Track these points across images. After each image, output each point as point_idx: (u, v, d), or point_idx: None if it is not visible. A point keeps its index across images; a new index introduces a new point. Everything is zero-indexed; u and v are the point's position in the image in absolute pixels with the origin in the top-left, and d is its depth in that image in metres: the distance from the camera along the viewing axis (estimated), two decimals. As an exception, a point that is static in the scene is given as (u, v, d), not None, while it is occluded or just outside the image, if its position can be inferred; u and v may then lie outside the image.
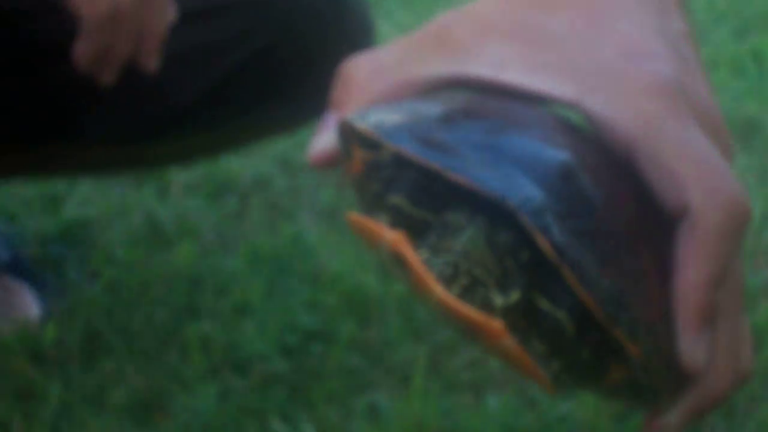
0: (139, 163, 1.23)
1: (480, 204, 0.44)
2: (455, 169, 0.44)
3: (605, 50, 0.49)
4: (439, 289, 0.44)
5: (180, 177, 1.52)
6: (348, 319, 1.27)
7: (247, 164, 1.56)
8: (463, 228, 0.44)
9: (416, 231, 0.45)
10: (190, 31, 1.11)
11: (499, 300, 0.44)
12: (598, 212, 0.45)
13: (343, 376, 1.20)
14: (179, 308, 1.28)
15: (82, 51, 1.04)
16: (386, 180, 0.46)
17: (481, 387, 1.20)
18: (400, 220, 0.46)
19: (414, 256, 0.44)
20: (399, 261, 0.45)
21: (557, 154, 0.45)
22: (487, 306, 0.44)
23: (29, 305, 1.28)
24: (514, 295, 0.44)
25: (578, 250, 0.43)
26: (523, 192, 0.43)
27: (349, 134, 0.48)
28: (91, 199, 1.48)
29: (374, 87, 0.50)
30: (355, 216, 0.46)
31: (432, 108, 0.47)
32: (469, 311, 0.44)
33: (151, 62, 1.06)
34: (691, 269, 0.46)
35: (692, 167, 0.46)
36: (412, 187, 0.46)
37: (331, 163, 0.51)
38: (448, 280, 0.44)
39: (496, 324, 0.44)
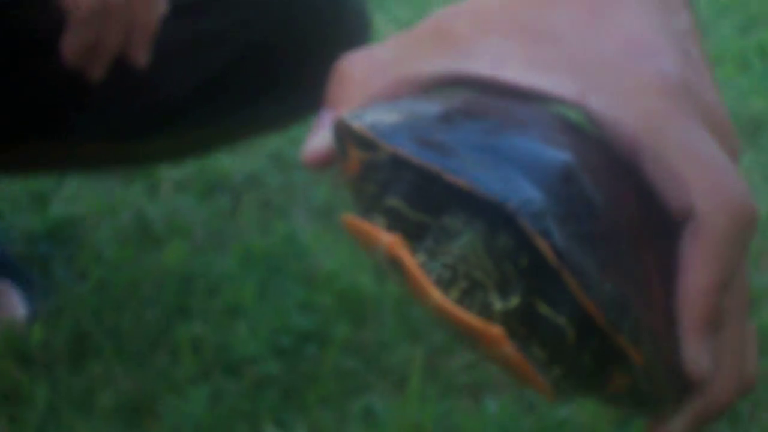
0: (129, 160, 1.23)
1: (479, 206, 0.44)
2: (453, 171, 0.44)
3: (607, 47, 0.49)
4: (436, 294, 0.44)
5: (170, 174, 1.52)
6: (343, 320, 1.27)
7: (239, 161, 1.55)
8: (461, 231, 0.44)
9: (413, 234, 0.45)
10: (182, 25, 1.11)
11: (498, 305, 0.44)
12: (600, 215, 0.45)
13: (338, 379, 1.20)
14: (169, 309, 1.28)
15: (70, 45, 1.04)
16: (383, 181, 0.46)
17: (479, 390, 1.20)
18: (396, 223, 0.46)
19: (411, 260, 0.44)
20: (395, 264, 0.45)
21: (558, 154, 0.45)
22: (485, 311, 0.44)
23: (15, 305, 1.27)
24: (514, 300, 0.44)
25: (579, 254, 0.43)
26: (522, 194, 0.43)
27: (344, 134, 0.48)
28: (79, 196, 1.48)
29: (371, 85, 0.50)
30: (351, 218, 0.46)
31: (430, 107, 0.47)
32: (468, 317, 0.44)
33: (142, 56, 1.06)
34: (696, 274, 0.46)
35: (697, 168, 0.46)
36: (410, 188, 0.46)
37: (325, 163, 0.51)
38: (445, 285, 0.44)
39: (495, 330, 0.44)
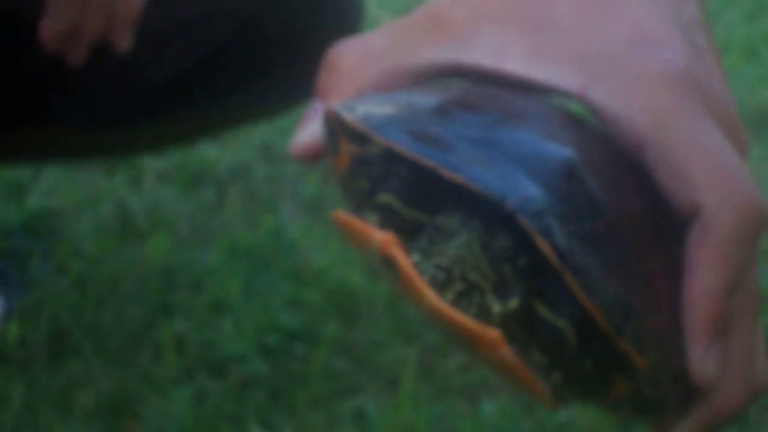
0: (110, 150, 1.23)
1: (476, 204, 0.44)
2: (450, 167, 0.44)
3: (612, 37, 0.48)
4: (431, 295, 0.44)
5: (153, 165, 1.52)
6: (333, 318, 1.27)
7: (225, 152, 1.55)
8: (458, 230, 0.44)
9: (407, 232, 0.45)
10: (166, 9, 1.11)
11: (496, 307, 0.44)
12: (604, 213, 0.45)
13: (328, 379, 1.20)
14: (152, 305, 1.28)
15: (49, 28, 1.03)
16: (375, 177, 0.46)
17: (475, 392, 1.20)
18: (390, 221, 0.46)
19: (405, 260, 0.44)
20: (388, 264, 0.45)
21: (560, 150, 0.45)
22: (483, 314, 0.44)
23: (-9, 301, 1.27)
24: (513, 302, 0.44)
25: (582, 255, 0.43)
26: (522, 191, 0.43)
27: (335, 126, 0.48)
28: (58, 187, 1.48)
29: (363, 75, 0.50)
30: (342, 215, 0.46)
31: (426, 99, 0.47)
32: (464, 319, 0.44)
33: (124, 41, 1.05)
34: (702, 274, 0.46)
35: (705, 165, 0.46)
36: (404, 184, 0.45)
37: (315, 156, 0.51)
38: (441, 286, 0.44)
39: (493, 333, 0.44)
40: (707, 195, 0.46)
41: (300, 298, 1.30)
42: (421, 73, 0.50)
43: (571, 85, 0.48)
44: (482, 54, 0.49)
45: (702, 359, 0.46)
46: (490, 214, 0.44)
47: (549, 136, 0.46)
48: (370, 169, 0.47)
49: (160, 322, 1.25)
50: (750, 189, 0.46)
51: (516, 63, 0.48)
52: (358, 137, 0.47)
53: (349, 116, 0.46)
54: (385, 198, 0.46)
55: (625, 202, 0.46)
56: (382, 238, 0.44)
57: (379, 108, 0.47)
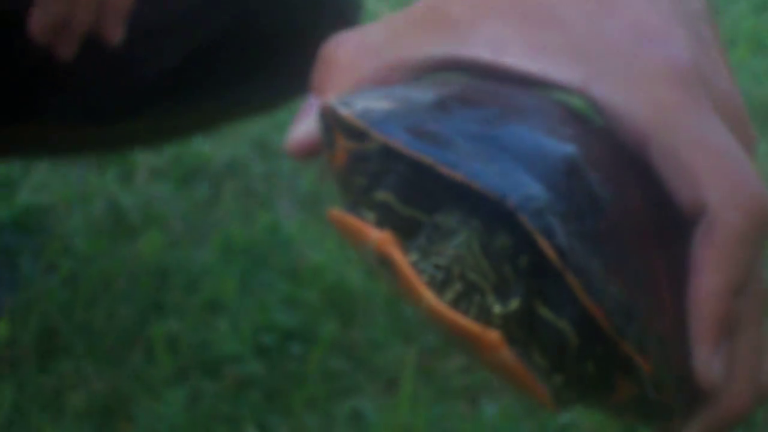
0: (102, 145, 1.23)
1: (475, 202, 0.44)
2: (449, 163, 0.44)
3: (615, 31, 0.48)
4: (429, 296, 0.44)
5: (146, 160, 1.52)
6: (330, 317, 1.28)
7: (220, 147, 1.55)
8: (457, 229, 0.44)
9: (405, 231, 0.45)
10: (159, 1, 1.10)
11: (496, 308, 0.44)
12: (606, 212, 0.45)
13: (325, 380, 1.20)
14: (144, 304, 1.28)
15: (38, 21, 1.03)
16: (373, 173, 0.46)
17: (476, 393, 1.20)
18: (387, 219, 0.45)
19: (402, 259, 0.44)
20: (386, 263, 0.45)
21: (562, 147, 0.45)
22: (482, 315, 0.44)
23: (-21, 300, 1.27)
24: (513, 303, 0.44)
25: (584, 255, 0.43)
26: (523, 189, 0.43)
27: (331, 121, 0.48)
28: (48, 184, 1.48)
29: (360, 69, 0.50)
30: (337, 213, 0.46)
31: (424, 94, 0.47)
32: (463, 321, 0.44)
33: (115, 34, 1.05)
34: (708, 275, 0.46)
35: (710, 162, 0.46)
36: (401, 182, 0.45)
37: (311, 152, 0.51)
38: (439, 286, 0.44)
39: (493, 335, 0.44)
40: (712, 193, 0.46)
41: (296, 297, 1.30)
42: (419, 68, 0.50)
43: (573, 79, 0.48)
44: (482, 48, 0.49)
45: (708, 361, 0.46)
46: (490, 213, 0.44)
47: (550, 132, 0.46)
48: (366, 165, 0.47)
49: (153, 322, 1.25)
50: (757, 186, 0.46)
51: (516, 57, 0.48)
52: (355, 133, 0.47)
53: (345, 111, 0.46)
54: (382, 195, 0.46)
55: (627, 200, 0.46)
56: (379, 236, 0.44)
57: (377, 103, 0.47)
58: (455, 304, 0.44)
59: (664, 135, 0.46)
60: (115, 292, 1.29)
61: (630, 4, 0.49)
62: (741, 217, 0.46)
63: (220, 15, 1.13)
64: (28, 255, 1.35)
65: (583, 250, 0.43)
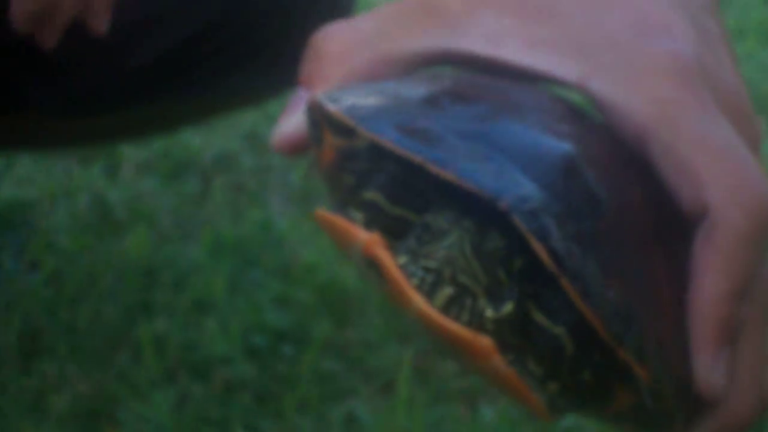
0: (88, 138, 1.23)
1: (467, 202, 0.44)
2: (440, 162, 0.43)
3: (615, 24, 0.48)
4: (418, 300, 0.43)
5: (133, 154, 1.52)
6: (323, 318, 1.27)
7: (210, 140, 1.55)
8: (448, 230, 0.44)
9: (394, 232, 0.45)
10: (146, -11, 1.10)
11: (489, 312, 0.44)
12: (604, 213, 0.45)
13: (318, 382, 1.20)
14: (131, 304, 1.28)
15: (21, 8, 1.03)
16: (361, 172, 0.46)
17: (474, 396, 1.20)
18: (375, 219, 0.45)
19: (390, 261, 0.44)
20: (374, 266, 0.44)
21: (559, 145, 0.45)
22: (474, 320, 0.44)
23: (-40, 298, 1.27)
24: (507, 307, 0.44)
25: (580, 258, 0.43)
26: (517, 190, 0.43)
27: (319, 117, 0.47)
28: (32, 178, 1.48)
29: (350, 62, 0.50)
30: (323, 213, 0.46)
31: (415, 89, 0.47)
32: (453, 326, 0.43)
33: (101, 23, 1.05)
34: (710, 279, 0.46)
35: (713, 161, 0.46)
36: (391, 181, 0.45)
37: (298, 148, 0.51)
38: (429, 290, 0.44)
39: (484, 341, 0.43)
40: (715, 193, 0.46)
41: (288, 296, 1.30)
42: (411, 61, 0.50)
43: (571, 74, 0.47)
44: (477, 41, 0.49)
45: (709, 369, 0.46)
46: (483, 213, 0.44)
47: (546, 130, 0.45)
48: (355, 163, 0.46)
49: (140, 322, 1.25)
50: (761, 187, 0.46)
51: (512, 51, 0.48)
52: (343, 129, 0.46)
53: (333, 107, 0.46)
54: (370, 195, 0.45)
55: (627, 201, 0.46)
56: (367, 238, 0.44)
57: (366, 98, 0.46)
58: (446, 308, 0.44)
59: (665, 132, 0.46)
60: (100, 291, 1.29)
61: (631, -4, 0.49)
62: (744, 218, 0.46)
63: (211, 3, 1.13)
64: (10, 251, 1.35)
65: (579, 254, 0.43)
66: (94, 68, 1.12)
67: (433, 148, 0.44)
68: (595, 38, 0.48)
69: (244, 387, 1.20)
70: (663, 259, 0.46)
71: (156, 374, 1.20)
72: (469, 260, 0.44)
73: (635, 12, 0.48)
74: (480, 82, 0.48)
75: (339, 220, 0.45)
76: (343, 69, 0.50)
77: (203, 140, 1.55)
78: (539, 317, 0.44)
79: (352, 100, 0.46)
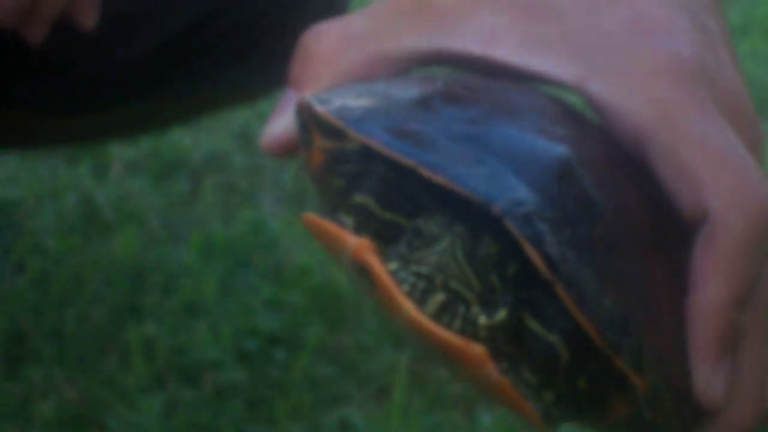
0: (75, 137, 1.23)
1: (460, 207, 0.44)
2: (431, 166, 0.43)
3: (614, 23, 0.48)
4: (409, 307, 0.43)
5: (121, 153, 1.52)
6: (316, 321, 1.27)
7: (200, 139, 1.55)
8: (440, 235, 0.44)
9: (385, 237, 0.45)
10: (135, -17, 1.10)
11: (482, 319, 0.44)
12: (602, 218, 0.44)
13: (311, 388, 1.20)
14: (119, 307, 1.28)
15: (5, 2, 1.03)
16: (351, 175, 0.46)
17: (471, 402, 1.20)
18: (366, 224, 0.45)
19: (381, 267, 0.44)
20: (364, 272, 0.44)
21: (554, 148, 0.45)
22: (466, 327, 0.44)
23: (-57, 301, 1.27)
24: (500, 314, 0.44)
25: (575, 264, 0.43)
26: (511, 193, 0.43)
27: (308, 119, 0.47)
28: (17, 178, 1.48)
29: (340, 62, 0.50)
30: (312, 217, 0.46)
31: (407, 90, 0.47)
32: (445, 334, 0.43)
33: (89, 18, 1.05)
34: (710, 286, 0.45)
35: (713, 165, 0.46)
36: (381, 185, 0.45)
37: (288, 150, 0.51)
38: (420, 296, 0.44)
39: (477, 349, 0.43)
40: (715, 198, 0.46)
41: (281, 299, 1.30)
42: (403, 61, 0.49)
43: (568, 75, 0.47)
44: (471, 40, 0.49)
45: (709, 378, 0.46)
46: (475, 218, 0.44)
47: (542, 132, 0.45)
48: (345, 166, 0.46)
49: (128, 325, 1.25)
50: (763, 191, 0.46)
51: (508, 50, 0.48)
52: (332, 132, 0.46)
53: (322, 109, 0.46)
54: (360, 199, 0.45)
55: (624, 205, 0.46)
56: (356, 243, 0.44)
57: (356, 100, 0.46)
58: (437, 315, 0.44)
59: (664, 135, 0.46)
60: (87, 293, 1.29)
61: (630, -6, 0.49)
62: (745, 223, 0.46)
63: (201, 1, 1.13)
64: (-5, 253, 1.35)
65: (575, 260, 0.43)
66: (82, 65, 1.12)
67: (424, 151, 0.44)
68: (593, 37, 0.48)
69: (235, 392, 1.20)
70: (662, 264, 0.46)
71: (144, 379, 1.20)
72: (461, 266, 0.43)
73: (634, 11, 0.48)
74: (474, 83, 0.48)
75: (328, 225, 0.45)
76: (333, 69, 0.50)
77: (193, 139, 1.55)
78: (534, 324, 0.44)
79: (341, 102, 0.46)
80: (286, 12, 1.13)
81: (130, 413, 1.16)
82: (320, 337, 1.26)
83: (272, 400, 1.19)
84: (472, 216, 0.44)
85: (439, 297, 0.44)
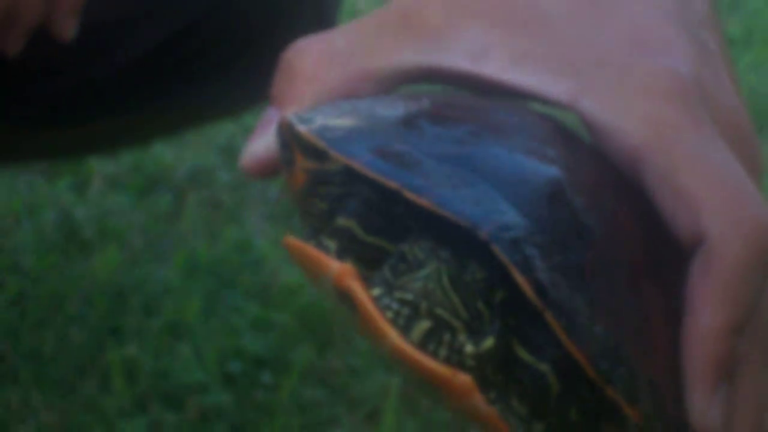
0: (54, 151, 1.23)
1: (446, 231, 0.44)
2: (416, 188, 0.43)
3: (609, 38, 0.48)
4: (393, 335, 0.43)
5: (102, 168, 1.52)
6: (304, 343, 1.27)
7: (183, 154, 1.55)
8: (425, 260, 0.44)
9: (368, 262, 0.45)
10: (116, -7, 1.10)
11: (468, 348, 0.44)
12: (593, 242, 0.44)
13: (299, 412, 1.20)
14: (99, 328, 1.28)
15: (-19, 14, 1.03)
16: (333, 197, 0.46)
17: (463, 425, 1.20)
18: (349, 247, 0.45)
19: (363, 293, 0.44)
20: (346, 298, 0.44)
21: (544, 169, 0.45)
22: (453, 356, 0.44)
23: None
24: (487, 342, 0.44)
25: (566, 291, 0.43)
26: (498, 217, 0.43)
27: (289, 138, 0.47)
28: (-6, 194, 1.48)
29: (323, 79, 0.50)
30: (292, 240, 0.46)
31: (392, 109, 0.47)
32: (430, 363, 0.43)
33: (67, 29, 1.05)
34: (706, 312, 0.45)
35: (710, 187, 0.46)
36: (365, 207, 0.45)
37: (269, 171, 0.51)
38: (405, 324, 0.43)
39: (463, 378, 0.43)
40: (712, 221, 0.46)
41: (267, 320, 1.30)
42: (389, 78, 0.49)
43: (560, 93, 0.47)
44: (459, 56, 0.49)
45: (704, 408, 0.46)
46: (462, 243, 0.44)
47: (531, 153, 0.45)
48: (327, 188, 0.46)
49: (109, 347, 1.25)
50: (761, 215, 0.46)
51: (498, 67, 0.48)
52: (314, 152, 0.46)
53: (303, 128, 0.46)
54: (343, 222, 0.45)
55: (618, 229, 0.46)
56: (339, 268, 0.44)
57: (339, 119, 0.46)
58: (422, 343, 0.44)
59: (660, 156, 0.46)
60: (66, 314, 1.29)
61: (626, 10, 0.49)
62: (743, 247, 0.46)
63: (186, 10, 1.13)
64: (-30, 272, 1.35)
65: (565, 286, 0.43)
66: (60, 77, 1.12)
67: (409, 173, 0.44)
68: (587, 54, 0.48)
69: (220, 416, 1.20)
70: (656, 290, 0.46)
71: (126, 403, 1.20)
72: (447, 293, 0.43)
73: (630, 26, 0.48)
74: (461, 102, 0.48)
75: (309, 249, 0.45)
76: (316, 87, 0.50)
77: (176, 154, 1.56)
78: (523, 353, 0.44)
79: (324, 121, 0.46)
80: (272, 24, 1.14)
81: (110, 438, 1.16)
82: (308, 359, 1.26)
83: (259, 425, 1.19)
84: (458, 240, 0.44)
85: (424, 324, 0.43)
